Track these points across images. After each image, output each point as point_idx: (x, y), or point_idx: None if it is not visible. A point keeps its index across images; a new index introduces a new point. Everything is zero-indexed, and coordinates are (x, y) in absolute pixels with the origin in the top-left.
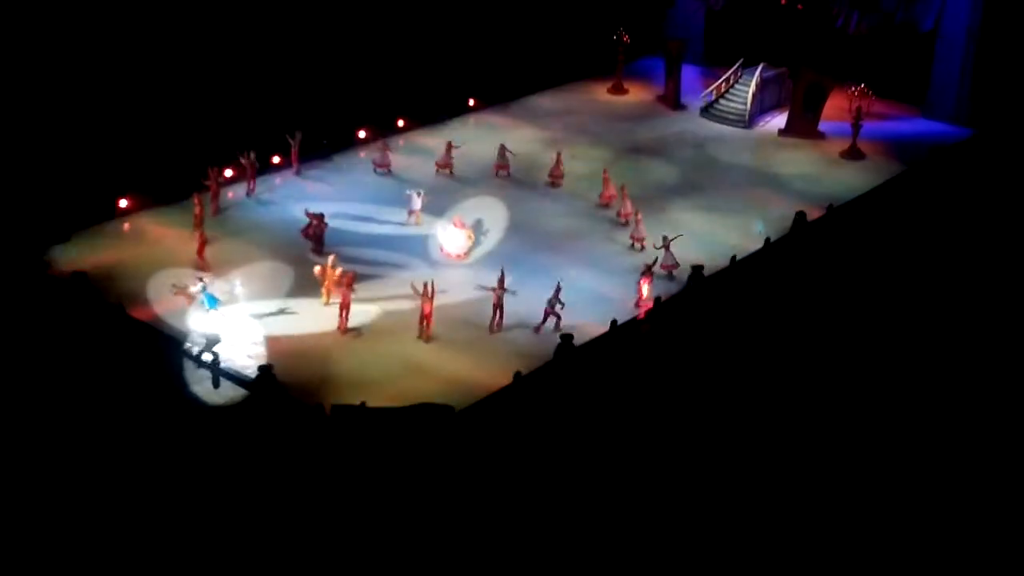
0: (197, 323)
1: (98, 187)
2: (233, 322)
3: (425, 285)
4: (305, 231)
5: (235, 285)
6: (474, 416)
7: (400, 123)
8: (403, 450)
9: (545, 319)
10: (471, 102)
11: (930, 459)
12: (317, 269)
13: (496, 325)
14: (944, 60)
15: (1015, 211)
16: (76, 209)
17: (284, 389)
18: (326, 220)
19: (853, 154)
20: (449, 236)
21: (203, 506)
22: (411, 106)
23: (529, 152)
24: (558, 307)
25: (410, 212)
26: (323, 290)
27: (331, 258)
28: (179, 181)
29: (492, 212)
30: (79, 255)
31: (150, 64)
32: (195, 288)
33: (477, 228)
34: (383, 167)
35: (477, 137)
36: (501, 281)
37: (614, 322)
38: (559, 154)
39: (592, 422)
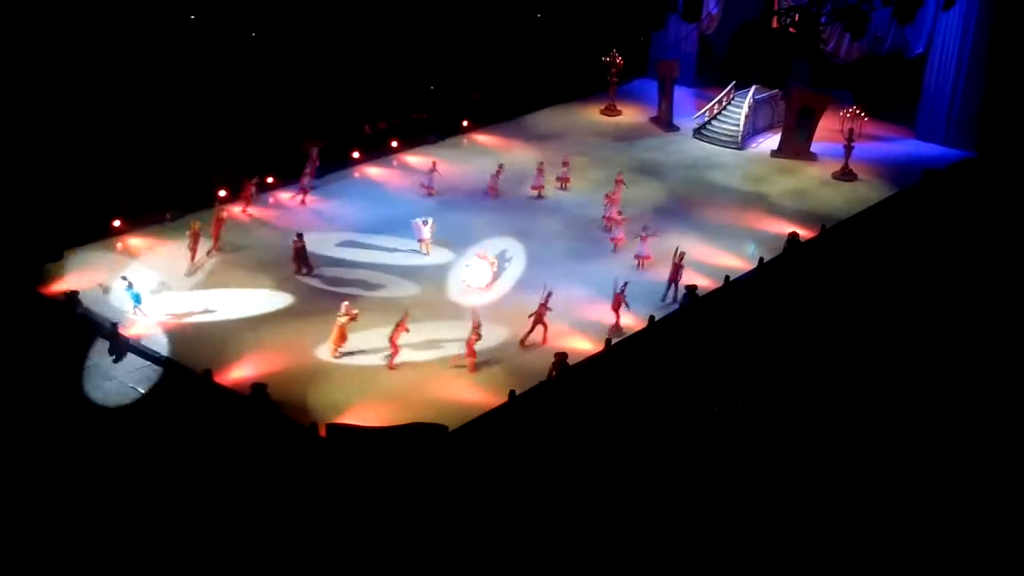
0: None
1: (91, 206)
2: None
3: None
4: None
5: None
6: (468, 435)
7: (393, 144)
8: (397, 470)
9: (618, 319)
10: (464, 123)
11: (922, 479)
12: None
13: (526, 339)
14: (935, 83)
15: (1008, 234)
16: (68, 228)
17: (277, 409)
18: (303, 239)
19: (846, 175)
20: (473, 270)
21: (195, 526)
22: (403, 127)
23: (523, 171)
24: (623, 309)
25: (419, 240)
26: (333, 340)
27: (344, 306)
28: (172, 200)
29: (494, 233)
30: (71, 274)
31: (142, 83)
32: (122, 287)
33: (495, 254)
34: (428, 189)
35: (469, 158)
36: (546, 299)
37: (608, 341)
38: (565, 160)
39: (587, 441)
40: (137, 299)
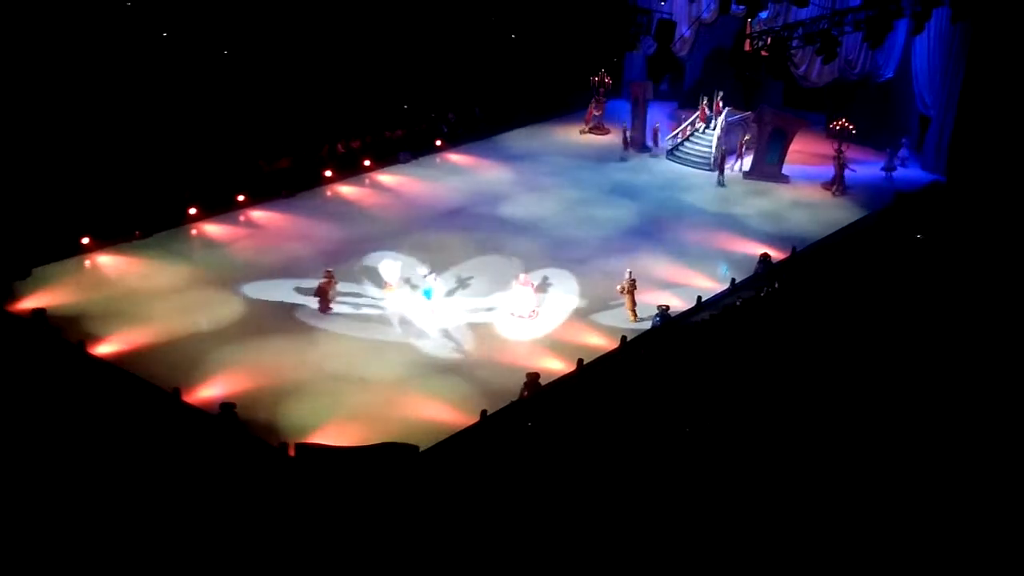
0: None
1: (60, 223)
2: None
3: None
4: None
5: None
6: (439, 456)
7: (366, 163)
8: (367, 490)
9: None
10: (437, 142)
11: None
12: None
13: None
14: (905, 108)
15: (977, 257)
16: (37, 245)
17: (246, 428)
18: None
19: (838, 190)
20: (516, 298)
21: (163, 549)
22: (373, 145)
23: (495, 192)
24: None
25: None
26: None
27: (628, 273)
28: (142, 218)
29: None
30: (39, 292)
31: (111, 99)
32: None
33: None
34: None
35: (442, 178)
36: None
37: (580, 361)
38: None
39: (558, 462)
40: (427, 294)
